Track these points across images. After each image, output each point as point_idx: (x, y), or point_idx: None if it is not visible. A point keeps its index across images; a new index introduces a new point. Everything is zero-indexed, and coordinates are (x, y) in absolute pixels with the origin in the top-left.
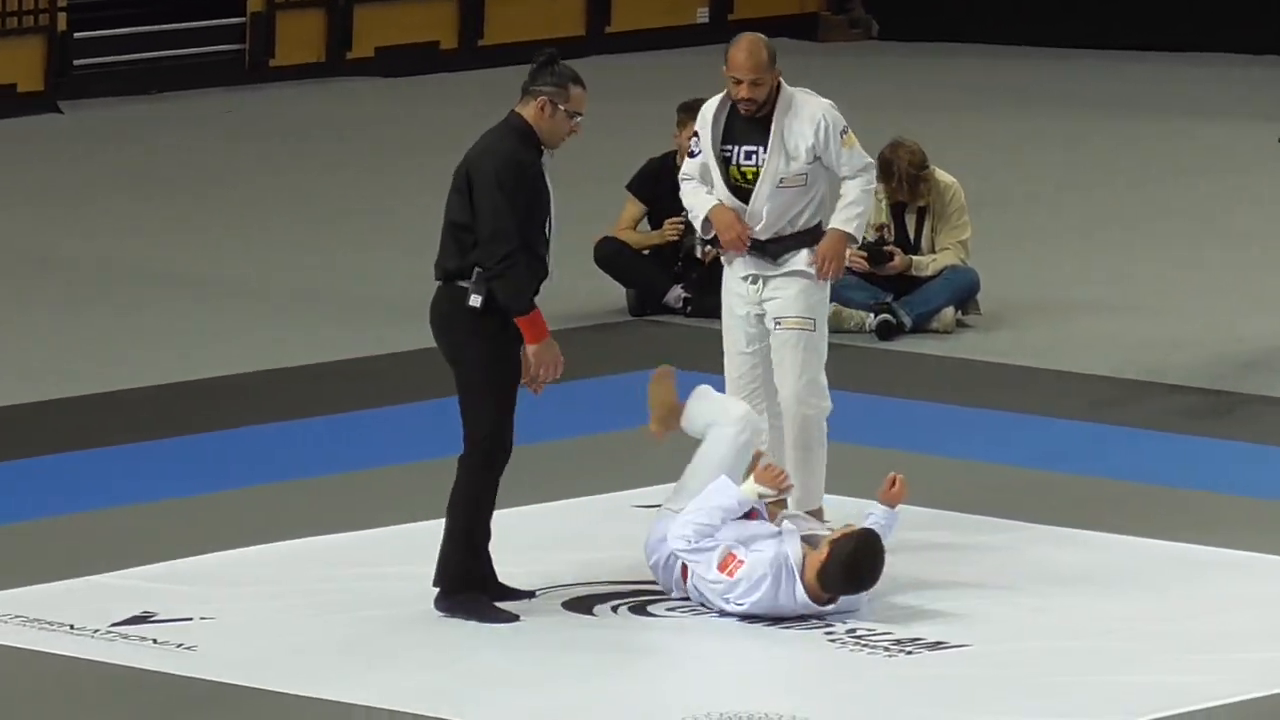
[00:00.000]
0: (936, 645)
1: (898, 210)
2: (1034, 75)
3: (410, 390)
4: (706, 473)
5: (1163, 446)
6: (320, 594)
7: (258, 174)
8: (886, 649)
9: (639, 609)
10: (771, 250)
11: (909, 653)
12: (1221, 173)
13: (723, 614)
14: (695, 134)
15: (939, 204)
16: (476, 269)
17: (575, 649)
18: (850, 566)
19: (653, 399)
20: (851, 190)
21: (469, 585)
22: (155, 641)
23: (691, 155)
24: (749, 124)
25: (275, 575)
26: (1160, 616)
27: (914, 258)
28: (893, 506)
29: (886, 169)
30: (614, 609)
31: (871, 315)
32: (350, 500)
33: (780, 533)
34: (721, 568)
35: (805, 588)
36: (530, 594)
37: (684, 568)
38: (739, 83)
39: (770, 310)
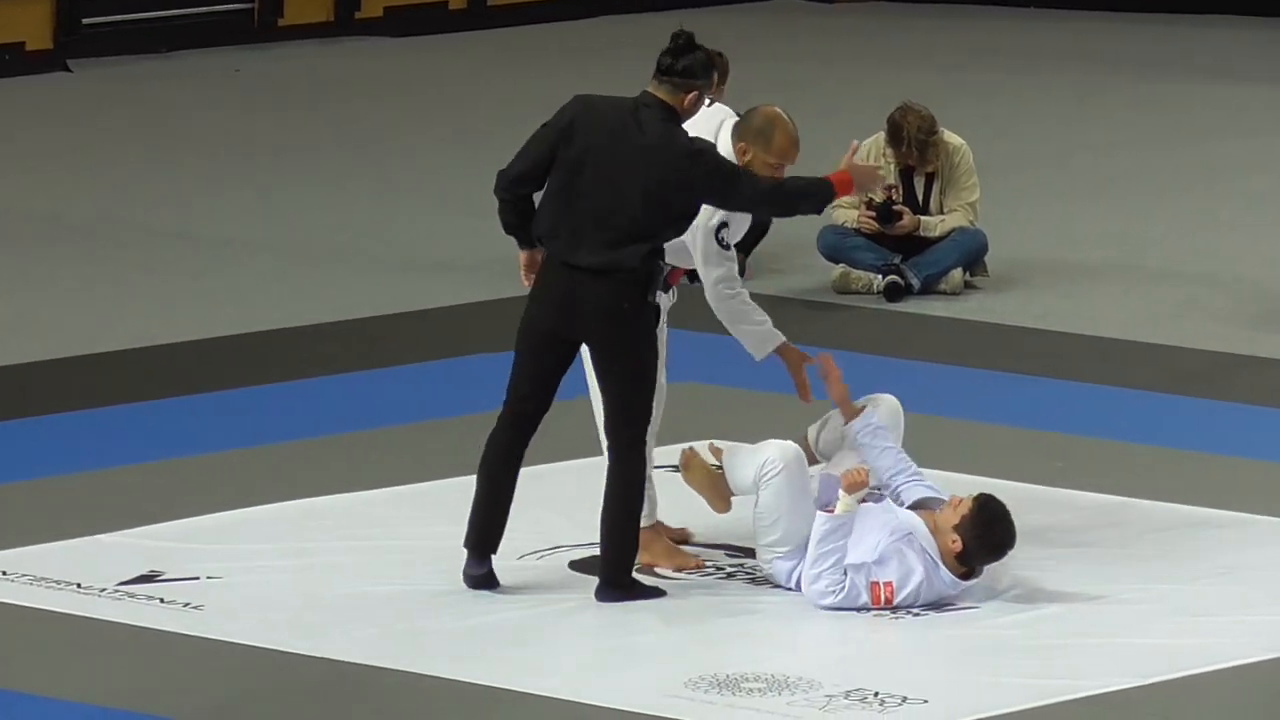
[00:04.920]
0: (943, 607)
1: (906, 173)
2: (1044, 36)
3: (426, 348)
4: (786, 520)
5: (1172, 408)
6: (329, 554)
7: (267, 133)
8: (893, 611)
9: (647, 570)
10: None
11: (915, 614)
12: (1235, 135)
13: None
14: (724, 223)
15: (947, 166)
16: (657, 264)
17: (581, 609)
18: (988, 539)
19: (695, 486)
20: None
21: (630, 572)
22: (162, 601)
23: (725, 246)
24: None
25: (284, 535)
26: (1164, 579)
27: (922, 218)
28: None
29: (896, 133)
30: None
31: (879, 276)
32: (362, 459)
33: (908, 532)
34: (876, 601)
35: (950, 571)
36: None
37: None
38: (779, 167)
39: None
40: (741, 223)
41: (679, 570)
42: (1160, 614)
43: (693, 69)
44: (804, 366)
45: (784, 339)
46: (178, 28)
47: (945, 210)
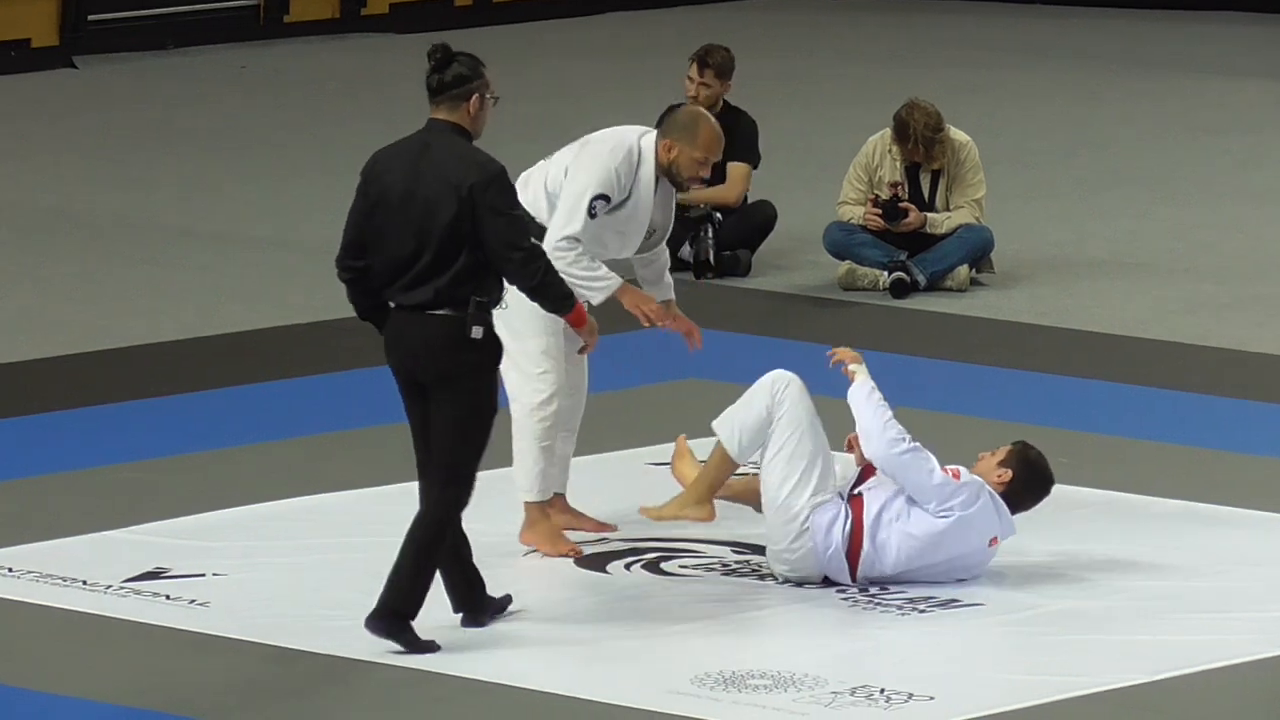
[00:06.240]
0: (949, 604)
1: (912, 170)
2: (1048, 32)
3: None
4: (810, 440)
5: (1177, 404)
6: (334, 550)
7: (273, 130)
8: (899, 607)
9: (652, 566)
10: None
11: (921, 611)
12: (1236, 131)
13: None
14: (605, 197)
15: (953, 163)
16: (475, 299)
17: (585, 606)
18: (1035, 472)
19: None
20: None
21: (412, 615)
22: (167, 597)
23: (593, 216)
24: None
25: (289, 531)
26: (1172, 575)
27: (928, 215)
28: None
29: (902, 129)
30: (628, 566)
31: (886, 273)
32: (367, 456)
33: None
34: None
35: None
36: (508, 599)
37: (855, 543)
38: (704, 164)
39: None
40: (632, 220)
41: (558, 555)
42: (1167, 610)
43: (460, 76)
44: (647, 304)
45: (623, 281)
46: (183, 24)
47: (951, 207)
